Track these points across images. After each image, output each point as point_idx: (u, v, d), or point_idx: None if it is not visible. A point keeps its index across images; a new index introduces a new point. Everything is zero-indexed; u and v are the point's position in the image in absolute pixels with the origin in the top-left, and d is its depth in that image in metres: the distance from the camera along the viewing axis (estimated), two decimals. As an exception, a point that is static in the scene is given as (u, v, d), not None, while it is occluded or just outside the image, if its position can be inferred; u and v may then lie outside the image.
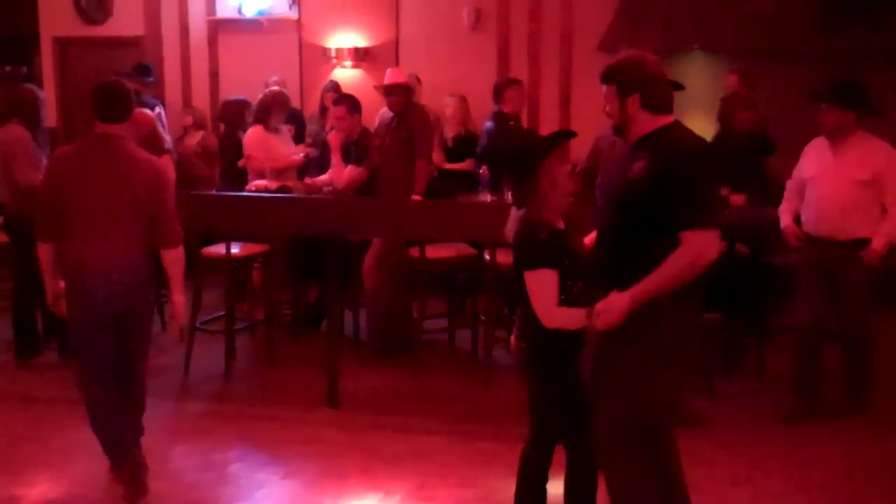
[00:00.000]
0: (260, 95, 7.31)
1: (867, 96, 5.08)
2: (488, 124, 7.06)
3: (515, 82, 7.31)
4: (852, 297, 5.12)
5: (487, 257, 5.74)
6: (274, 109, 7.06)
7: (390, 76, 6.53)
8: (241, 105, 8.28)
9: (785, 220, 5.39)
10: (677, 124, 3.32)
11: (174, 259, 4.33)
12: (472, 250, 6.12)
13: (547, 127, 8.89)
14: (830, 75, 5.51)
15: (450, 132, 8.19)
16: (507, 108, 7.04)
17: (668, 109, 3.33)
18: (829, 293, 5.16)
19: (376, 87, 6.75)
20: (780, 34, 7.95)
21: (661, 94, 3.31)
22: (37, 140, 6.16)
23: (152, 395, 5.62)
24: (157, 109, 8.01)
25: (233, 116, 7.85)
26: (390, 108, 6.56)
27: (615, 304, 3.22)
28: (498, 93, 7.08)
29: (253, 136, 7.00)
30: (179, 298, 4.39)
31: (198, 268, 6.03)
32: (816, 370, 5.29)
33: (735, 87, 7.13)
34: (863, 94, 5.07)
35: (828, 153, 5.14)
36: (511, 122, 6.99)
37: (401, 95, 6.41)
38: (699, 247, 3.15)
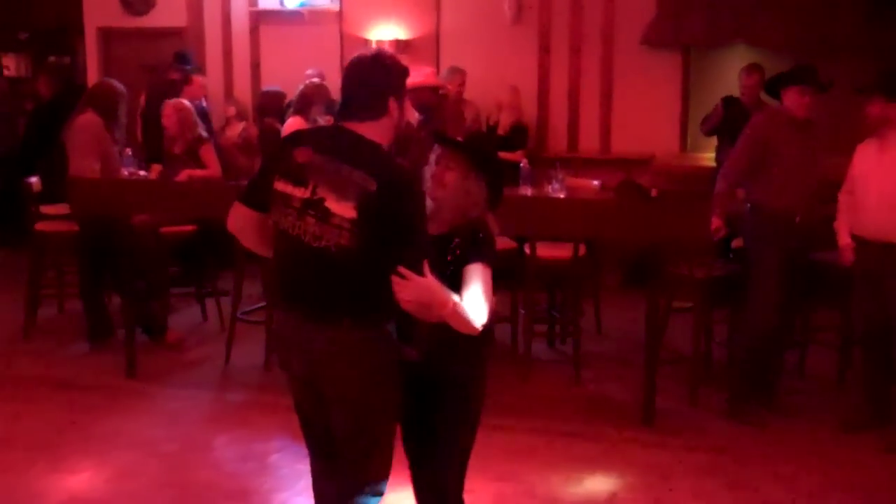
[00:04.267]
0: (300, 87, 7.33)
1: None
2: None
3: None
4: None
5: (528, 251, 5.72)
6: (314, 101, 7.11)
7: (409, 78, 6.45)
8: (279, 96, 8.33)
9: (843, 238, 5.08)
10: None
11: None
12: (513, 243, 6.09)
13: (587, 121, 8.89)
14: (878, 70, 5.38)
15: (507, 119, 8.18)
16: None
17: None
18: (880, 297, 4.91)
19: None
20: (826, 27, 7.84)
21: None
22: (111, 133, 6.27)
23: (193, 384, 5.75)
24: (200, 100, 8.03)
25: (271, 107, 7.87)
26: (412, 105, 6.40)
27: None
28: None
29: (291, 125, 7.02)
30: None
31: (239, 258, 6.05)
32: (886, 376, 5.07)
33: (756, 86, 6.96)
34: None
35: (874, 151, 4.93)
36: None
37: (422, 94, 6.27)
38: None
